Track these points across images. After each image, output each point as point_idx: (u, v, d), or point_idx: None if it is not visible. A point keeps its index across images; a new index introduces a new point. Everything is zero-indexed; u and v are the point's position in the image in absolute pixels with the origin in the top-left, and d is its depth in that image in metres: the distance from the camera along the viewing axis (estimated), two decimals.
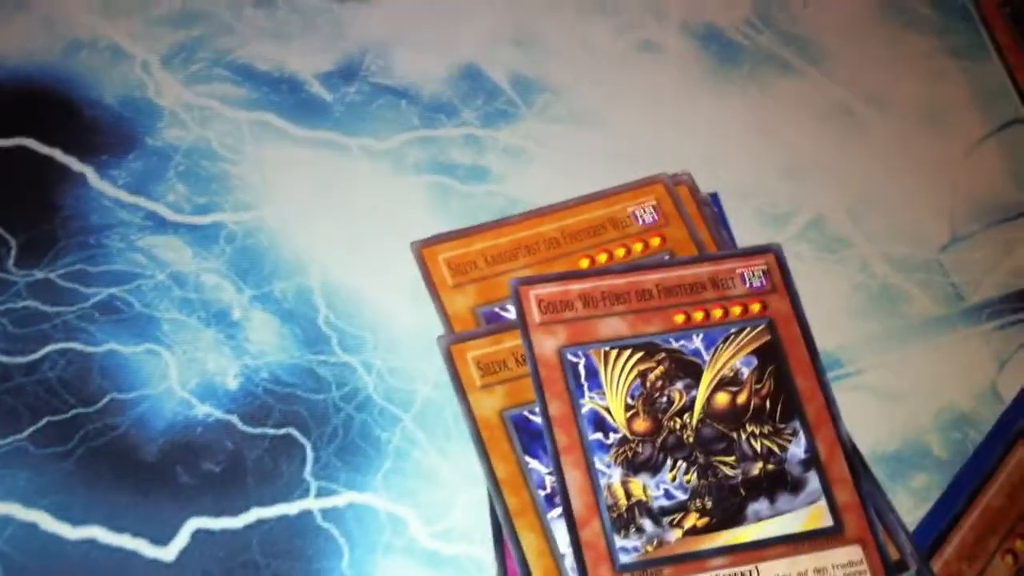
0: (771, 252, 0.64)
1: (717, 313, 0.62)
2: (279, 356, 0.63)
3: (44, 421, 0.59)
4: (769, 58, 0.79)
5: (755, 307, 0.63)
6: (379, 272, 0.66)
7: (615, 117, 0.74)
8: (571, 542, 0.57)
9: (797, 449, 0.60)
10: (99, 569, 0.56)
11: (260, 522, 0.58)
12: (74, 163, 0.67)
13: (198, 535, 0.57)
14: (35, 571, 0.55)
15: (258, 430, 0.60)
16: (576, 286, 0.63)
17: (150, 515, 0.57)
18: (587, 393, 0.60)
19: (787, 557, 0.57)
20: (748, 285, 0.63)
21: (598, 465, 0.59)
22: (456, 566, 0.58)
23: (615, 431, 0.60)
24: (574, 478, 0.58)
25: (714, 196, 0.70)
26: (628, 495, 0.58)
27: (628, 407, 0.60)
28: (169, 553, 0.57)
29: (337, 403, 0.62)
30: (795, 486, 0.59)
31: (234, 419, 0.61)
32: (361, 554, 0.58)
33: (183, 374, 0.61)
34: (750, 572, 0.57)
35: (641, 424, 0.60)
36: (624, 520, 0.58)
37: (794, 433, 0.60)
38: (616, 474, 0.59)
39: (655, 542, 0.57)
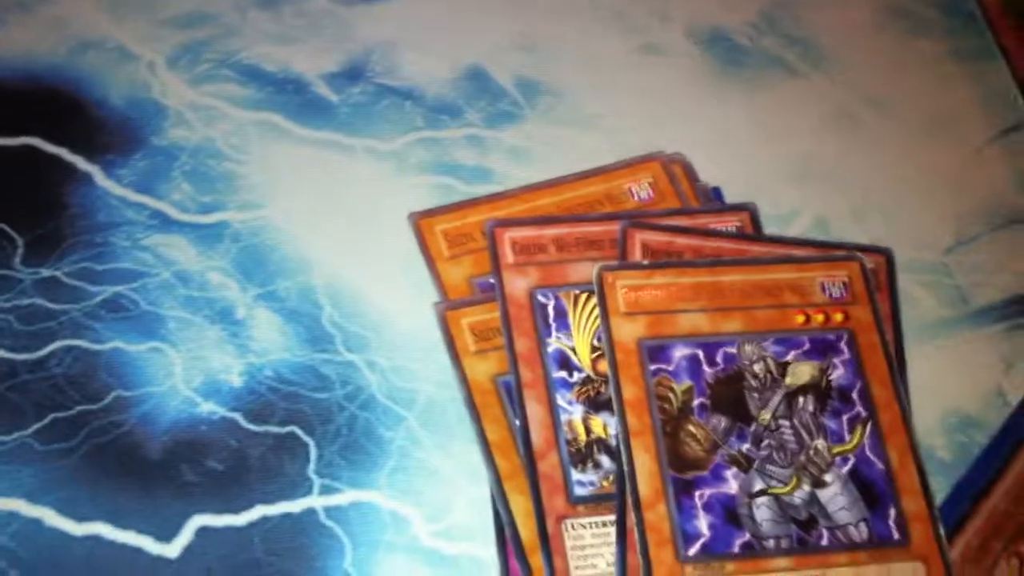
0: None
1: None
2: (283, 354, 0.63)
3: (49, 418, 0.59)
4: (774, 61, 0.79)
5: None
6: (382, 271, 0.66)
7: (618, 119, 0.74)
8: (528, 474, 0.58)
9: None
10: (103, 565, 0.56)
11: (264, 520, 0.58)
12: (81, 162, 0.67)
13: (202, 532, 0.57)
14: (39, 567, 0.55)
15: (262, 428, 0.61)
16: (551, 231, 0.64)
17: (154, 512, 0.57)
18: (554, 333, 0.62)
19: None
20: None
21: (560, 401, 0.60)
22: (457, 565, 0.58)
23: (579, 370, 0.61)
24: (535, 412, 0.60)
25: (716, 190, 0.70)
26: (588, 431, 0.60)
27: (594, 348, 0.61)
28: (173, 550, 0.57)
29: (341, 402, 0.62)
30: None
31: (238, 417, 0.61)
32: (364, 552, 0.58)
33: (187, 372, 0.62)
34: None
35: (607, 366, 0.60)
36: (582, 455, 0.59)
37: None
38: (577, 411, 0.60)
39: (611, 478, 0.59)
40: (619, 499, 0.58)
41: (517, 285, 0.63)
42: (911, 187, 0.75)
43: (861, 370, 0.62)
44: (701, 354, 0.61)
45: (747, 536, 0.57)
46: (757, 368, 0.61)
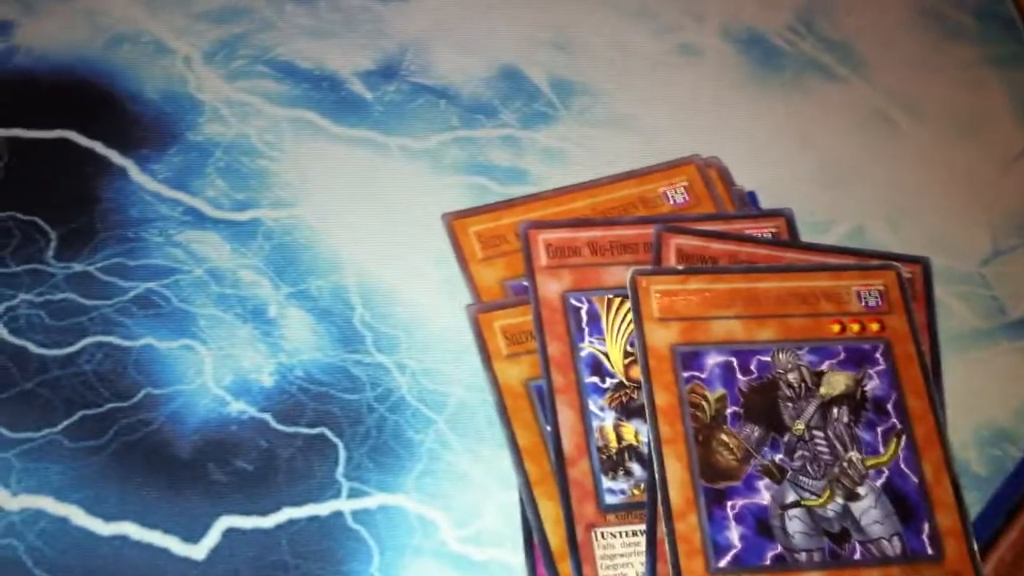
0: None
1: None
2: (314, 354, 0.63)
3: (79, 415, 0.59)
4: (810, 64, 0.78)
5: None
6: (415, 272, 0.66)
7: (653, 121, 0.74)
8: (558, 480, 0.58)
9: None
10: (130, 565, 0.56)
11: (291, 522, 0.58)
12: (115, 156, 0.67)
13: (229, 534, 0.57)
14: (66, 566, 0.55)
15: (291, 429, 0.60)
16: (585, 233, 0.64)
17: (182, 512, 0.57)
18: (587, 337, 0.61)
19: None
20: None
21: (592, 407, 0.60)
22: (486, 570, 0.58)
23: (612, 376, 0.61)
24: (567, 418, 0.59)
25: (751, 194, 0.70)
26: (619, 438, 0.59)
27: (627, 354, 0.61)
28: (200, 551, 0.57)
29: (371, 404, 0.62)
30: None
31: (268, 417, 0.60)
32: (391, 557, 0.58)
33: (218, 371, 0.61)
34: None
35: (639, 372, 0.60)
36: (613, 462, 0.59)
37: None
38: (609, 417, 0.60)
39: (643, 486, 0.58)
40: (650, 508, 0.57)
41: (550, 288, 0.62)
42: (948, 195, 0.74)
43: (897, 381, 0.61)
44: (735, 362, 0.60)
45: (779, 548, 0.57)
46: (791, 377, 0.61)
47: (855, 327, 0.62)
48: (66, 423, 0.59)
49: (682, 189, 0.68)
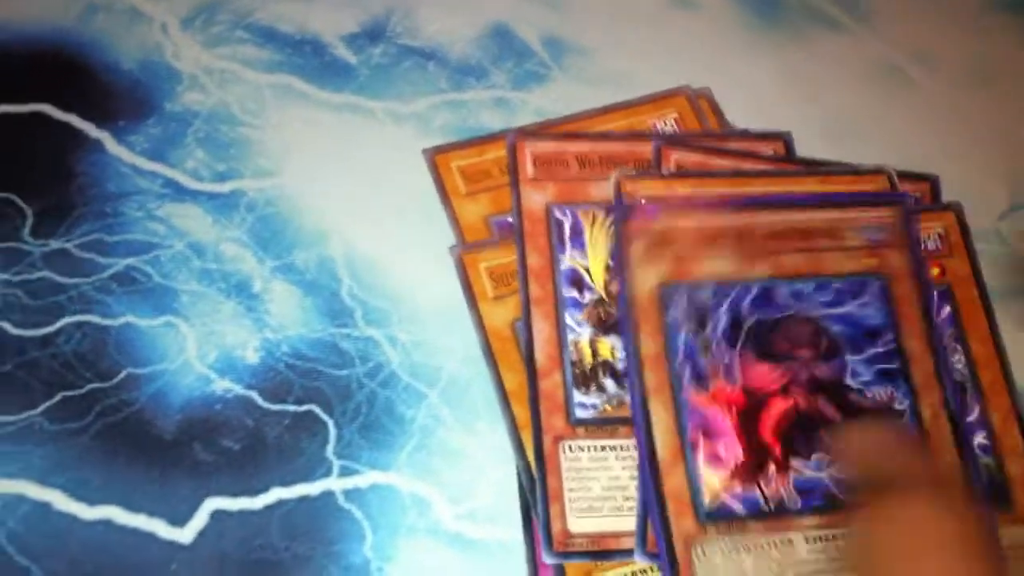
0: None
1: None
2: (301, 329, 0.61)
3: (59, 396, 0.57)
4: (812, 14, 0.76)
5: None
6: (405, 241, 0.64)
7: (649, 77, 0.71)
8: (528, 391, 0.57)
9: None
10: (114, 550, 0.54)
11: (280, 503, 0.56)
12: (91, 129, 0.65)
13: (216, 516, 0.55)
14: (49, 552, 0.54)
15: (279, 407, 0.58)
16: (574, 147, 0.63)
17: (167, 495, 0.56)
18: (568, 251, 0.60)
19: None
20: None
21: (568, 321, 0.59)
22: (482, 548, 0.56)
23: (591, 290, 0.60)
24: (541, 329, 0.58)
25: (745, 132, 0.68)
26: (595, 353, 0.58)
27: (609, 268, 0.60)
28: (186, 535, 0.55)
29: (360, 379, 0.60)
30: None
31: (254, 395, 0.59)
32: (384, 536, 0.56)
33: (202, 348, 0.59)
34: None
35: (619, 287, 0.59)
36: (586, 377, 0.58)
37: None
38: (586, 332, 0.59)
39: (615, 402, 0.57)
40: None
41: (534, 200, 0.61)
42: (962, 148, 0.71)
43: (960, 327, 0.60)
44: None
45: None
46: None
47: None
48: (46, 405, 0.57)
49: (672, 121, 0.66)
